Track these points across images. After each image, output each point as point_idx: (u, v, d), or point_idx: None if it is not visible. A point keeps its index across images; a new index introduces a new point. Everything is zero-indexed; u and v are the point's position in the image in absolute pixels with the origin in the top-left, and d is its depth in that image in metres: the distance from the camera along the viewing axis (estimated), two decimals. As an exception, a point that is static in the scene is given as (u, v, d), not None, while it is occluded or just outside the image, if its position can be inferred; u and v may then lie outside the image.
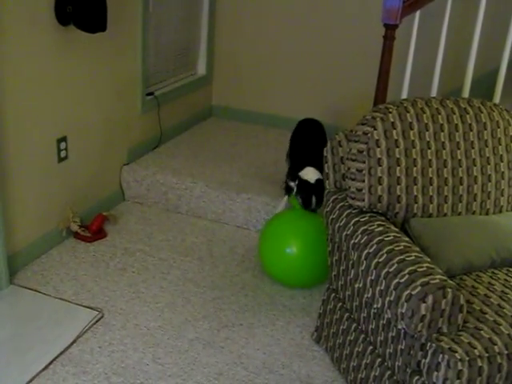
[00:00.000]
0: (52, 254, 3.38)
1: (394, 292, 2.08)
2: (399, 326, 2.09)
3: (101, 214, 3.61)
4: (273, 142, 4.59)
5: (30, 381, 2.51)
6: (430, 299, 1.99)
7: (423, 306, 1.99)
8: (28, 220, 3.23)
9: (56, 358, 2.64)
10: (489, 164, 2.60)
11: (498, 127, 2.63)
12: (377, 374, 2.34)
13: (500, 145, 2.62)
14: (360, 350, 2.46)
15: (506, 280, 2.35)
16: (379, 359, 2.34)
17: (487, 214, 2.63)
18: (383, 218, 2.44)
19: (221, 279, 3.23)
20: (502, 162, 2.62)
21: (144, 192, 3.97)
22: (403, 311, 2.03)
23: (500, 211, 2.65)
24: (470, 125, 2.59)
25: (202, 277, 3.24)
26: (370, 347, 2.40)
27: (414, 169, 2.47)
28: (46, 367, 2.59)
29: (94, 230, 3.54)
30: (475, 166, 2.58)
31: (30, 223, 3.25)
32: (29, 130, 3.12)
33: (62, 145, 3.39)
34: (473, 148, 2.59)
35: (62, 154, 3.41)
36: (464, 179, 2.56)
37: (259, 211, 3.67)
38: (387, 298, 2.12)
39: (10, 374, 2.54)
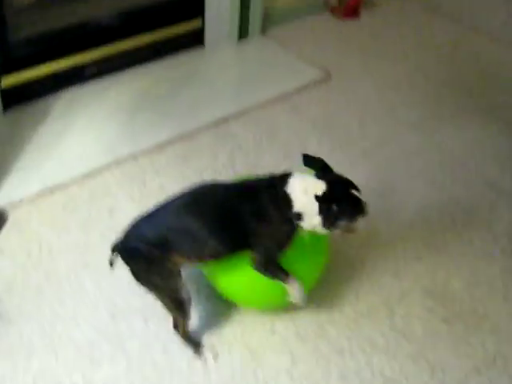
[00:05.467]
0: (305, 20, 3.66)
1: None
2: None
3: (361, -5, 3.75)
4: None
5: (246, 111, 2.92)
6: None
7: None
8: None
9: (278, 98, 3.00)
10: None
11: None
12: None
13: None
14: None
15: None
16: None
17: None
18: None
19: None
20: None
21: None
22: None
23: None
24: None
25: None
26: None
27: None
28: (266, 104, 2.96)
29: (350, 7, 3.70)
30: None
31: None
32: None
33: None
34: None
35: None
36: None
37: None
38: None
39: (239, 99, 2.97)
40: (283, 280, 1.77)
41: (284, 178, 1.72)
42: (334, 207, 1.67)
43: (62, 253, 2.22)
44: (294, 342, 1.97)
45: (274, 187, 1.71)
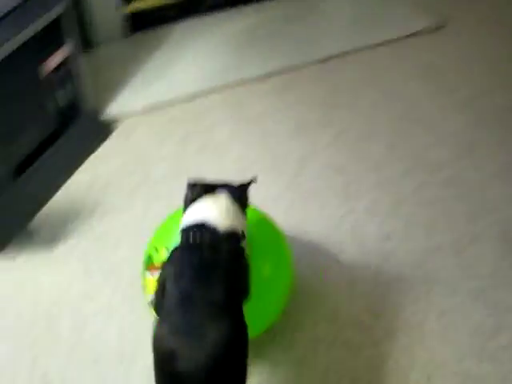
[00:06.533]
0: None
1: None
2: None
3: None
4: None
5: (353, 52, 2.99)
6: None
7: None
8: None
9: (386, 42, 3.02)
10: None
11: None
12: None
13: None
14: None
15: None
16: None
17: None
18: None
19: None
20: None
21: None
22: None
23: None
24: None
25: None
26: None
27: None
28: (374, 46, 3.01)
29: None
30: None
31: None
32: None
33: None
34: None
35: None
36: None
37: None
38: None
39: (348, 39, 3.04)
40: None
41: (203, 230, 1.45)
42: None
43: (156, 163, 2.42)
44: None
45: (220, 242, 1.44)
